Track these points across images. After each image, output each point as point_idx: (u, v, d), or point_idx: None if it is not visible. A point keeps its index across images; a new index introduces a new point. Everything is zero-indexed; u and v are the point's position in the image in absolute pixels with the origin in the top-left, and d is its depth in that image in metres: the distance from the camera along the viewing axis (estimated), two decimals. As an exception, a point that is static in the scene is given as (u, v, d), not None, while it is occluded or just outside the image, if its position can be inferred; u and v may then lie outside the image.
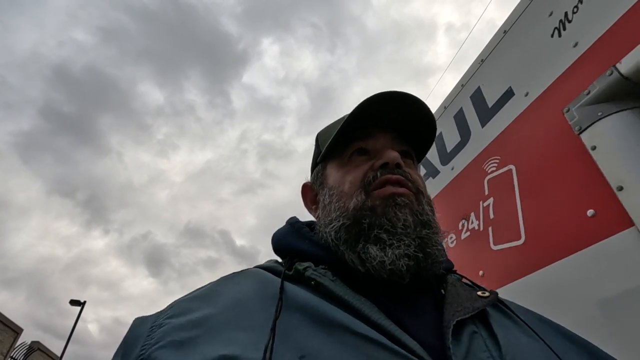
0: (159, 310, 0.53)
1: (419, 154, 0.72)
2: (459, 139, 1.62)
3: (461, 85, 1.69)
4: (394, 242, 0.54)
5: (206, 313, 0.47)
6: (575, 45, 1.12)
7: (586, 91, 1.03)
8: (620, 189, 0.89)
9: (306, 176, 0.79)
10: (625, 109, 0.95)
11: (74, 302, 15.40)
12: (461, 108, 1.65)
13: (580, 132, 1.02)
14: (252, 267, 0.61)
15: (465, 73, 1.68)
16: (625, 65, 0.94)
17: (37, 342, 15.07)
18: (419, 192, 0.61)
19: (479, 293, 0.56)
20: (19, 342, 13.78)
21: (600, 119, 0.98)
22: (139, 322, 0.51)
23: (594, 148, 0.98)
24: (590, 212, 0.96)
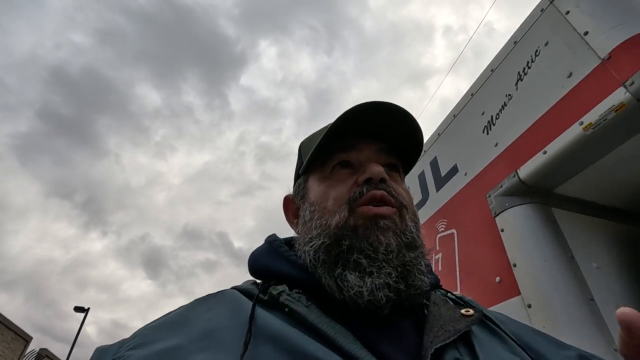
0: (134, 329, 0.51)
1: (406, 165, 0.69)
2: (421, 197, 1.96)
3: (424, 150, 2.04)
4: (374, 270, 0.51)
5: (173, 344, 0.43)
6: (496, 145, 1.47)
7: (500, 184, 1.39)
8: (514, 265, 1.24)
9: (289, 187, 0.75)
10: (522, 204, 1.30)
11: (78, 309, 15.71)
12: (422, 171, 2.00)
13: (495, 216, 1.37)
14: (229, 287, 0.59)
15: (427, 141, 2.03)
16: (523, 172, 1.30)
17: (45, 350, 15.37)
18: (403, 207, 0.58)
19: (463, 311, 0.53)
20: (28, 349, 14.09)
21: (507, 208, 1.33)
22: (100, 353, 0.48)
23: (502, 230, 1.33)
24: (497, 278, 1.31)
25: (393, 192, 0.58)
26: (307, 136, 0.75)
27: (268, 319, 0.47)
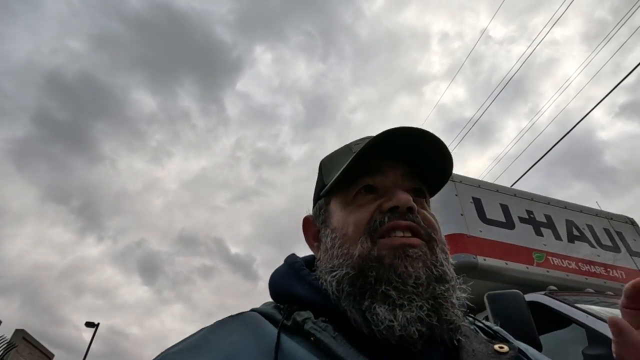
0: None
1: (432, 189, 0.65)
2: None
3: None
4: (405, 302, 0.48)
5: None
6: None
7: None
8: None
9: (308, 208, 0.73)
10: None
11: (89, 324, 15.93)
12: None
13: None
14: (249, 310, 0.57)
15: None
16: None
17: None
18: (432, 240, 0.55)
19: (497, 347, 0.50)
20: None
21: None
22: None
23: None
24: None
25: (421, 223, 0.55)
26: (326, 155, 0.72)
27: (293, 348, 0.45)
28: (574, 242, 2.94)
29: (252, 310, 0.56)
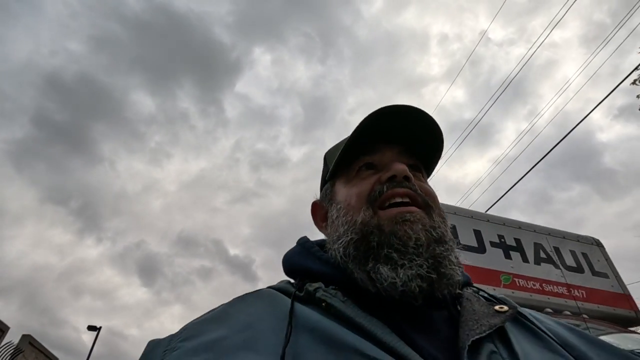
0: (170, 332, 0.52)
1: (428, 168, 0.70)
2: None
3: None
4: (405, 262, 0.51)
5: (218, 335, 0.46)
6: None
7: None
8: None
9: (315, 194, 0.78)
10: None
11: (91, 328, 16.22)
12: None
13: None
14: (264, 287, 0.60)
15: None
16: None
17: None
18: (429, 206, 0.59)
19: (497, 308, 0.54)
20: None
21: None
22: (153, 346, 0.50)
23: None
24: None
25: (418, 190, 0.59)
26: (329, 148, 0.77)
27: (306, 312, 0.49)
28: (540, 264, 3.24)
29: (268, 287, 0.60)
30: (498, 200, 6.79)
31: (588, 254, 3.58)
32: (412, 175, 0.60)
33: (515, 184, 6.43)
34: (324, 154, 0.78)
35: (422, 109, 0.61)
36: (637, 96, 6.07)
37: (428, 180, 0.69)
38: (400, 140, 0.65)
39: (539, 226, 3.64)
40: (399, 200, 0.58)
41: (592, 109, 5.72)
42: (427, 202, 0.59)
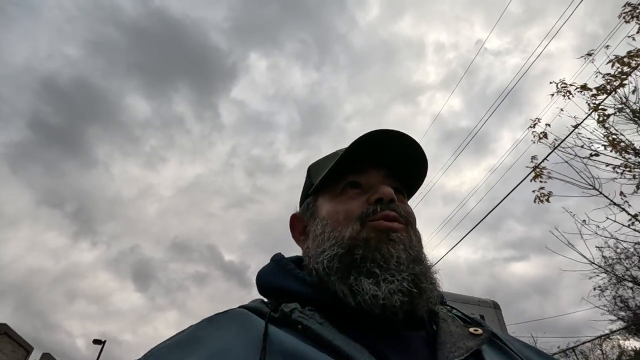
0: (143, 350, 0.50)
1: (409, 192, 0.73)
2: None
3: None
4: (388, 276, 0.53)
5: None
6: None
7: None
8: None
9: (294, 206, 0.78)
10: None
11: (96, 341, 17.14)
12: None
13: None
14: (236, 307, 0.58)
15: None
16: None
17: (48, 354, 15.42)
18: (409, 224, 0.63)
19: (472, 330, 0.55)
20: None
21: None
22: None
23: None
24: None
25: (402, 213, 0.62)
26: (314, 162, 0.79)
27: (281, 336, 0.47)
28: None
29: (240, 306, 0.58)
30: (494, 209, 6.84)
31: (485, 316, 4.36)
32: (396, 198, 0.63)
33: (510, 192, 6.54)
34: (307, 167, 0.79)
35: (409, 134, 0.64)
36: (533, 191, 5.91)
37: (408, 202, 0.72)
38: (386, 163, 0.67)
39: (446, 293, 4.46)
40: (386, 222, 0.60)
41: (585, 117, 5.68)
42: (409, 220, 0.63)
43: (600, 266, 5.68)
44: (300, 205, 0.77)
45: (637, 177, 5.05)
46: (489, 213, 6.84)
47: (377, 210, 0.61)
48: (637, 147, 5.15)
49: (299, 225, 0.74)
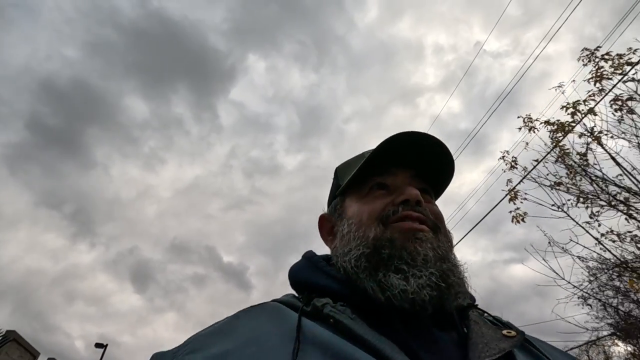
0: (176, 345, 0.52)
1: (437, 192, 0.73)
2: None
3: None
4: (416, 271, 0.54)
5: (224, 349, 0.46)
6: None
7: None
8: None
9: (322, 207, 0.80)
10: None
11: (98, 345, 16.70)
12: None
13: None
14: (269, 301, 0.60)
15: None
16: None
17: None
18: (437, 228, 0.62)
19: (505, 332, 0.54)
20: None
21: None
22: (158, 359, 0.51)
23: None
24: None
25: (429, 215, 0.62)
26: (342, 163, 0.80)
27: (314, 328, 0.48)
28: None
29: (273, 300, 0.60)
30: (491, 211, 6.84)
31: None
32: (422, 200, 0.63)
33: (507, 194, 6.54)
34: (334, 168, 0.81)
35: (437, 137, 0.64)
36: (510, 211, 6.24)
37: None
38: (412, 164, 0.67)
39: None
40: (409, 221, 0.60)
41: (580, 119, 5.86)
42: (436, 224, 0.63)
43: (569, 282, 5.66)
44: (328, 206, 0.78)
45: (589, 206, 5.54)
46: (477, 223, 6.85)
47: (397, 211, 0.61)
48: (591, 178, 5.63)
49: (327, 226, 0.75)
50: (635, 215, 5.19)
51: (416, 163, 0.67)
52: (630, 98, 5.33)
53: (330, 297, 0.55)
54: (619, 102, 5.43)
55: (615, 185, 5.38)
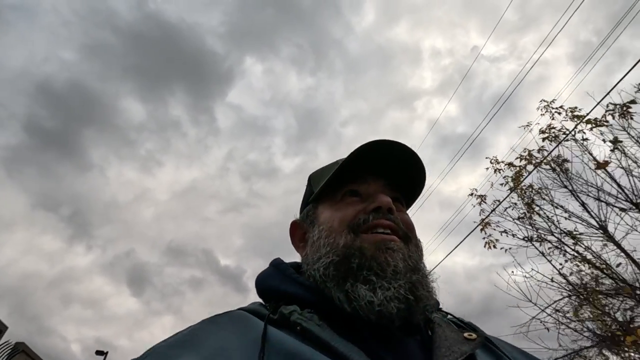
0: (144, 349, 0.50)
1: (409, 201, 0.74)
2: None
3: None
4: (384, 283, 0.53)
5: None
6: None
7: None
8: None
9: (291, 211, 0.79)
10: None
11: (98, 353, 16.70)
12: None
13: None
14: (235, 309, 0.59)
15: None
16: None
17: (23, 344, 14.98)
18: (408, 238, 0.63)
19: (466, 335, 0.55)
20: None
21: None
22: None
23: None
24: None
25: (400, 224, 0.63)
26: (315, 170, 0.80)
27: (280, 336, 0.48)
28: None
29: (239, 309, 0.59)
30: (489, 215, 6.90)
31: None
32: (394, 208, 0.63)
33: (507, 196, 6.66)
34: (308, 175, 0.80)
35: (408, 145, 0.65)
36: (483, 238, 6.73)
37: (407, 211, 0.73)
38: (385, 173, 0.68)
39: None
40: (381, 230, 0.61)
41: (576, 123, 6.06)
42: (407, 233, 0.63)
43: (536, 305, 5.90)
44: (301, 213, 0.78)
45: (541, 244, 6.07)
46: (484, 219, 6.86)
47: (368, 219, 0.61)
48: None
49: (298, 232, 0.75)
50: (573, 254, 5.75)
51: (389, 172, 0.68)
52: (566, 160, 6.21)
53: (298, 305, 0.55)
54: (559, 160, 6.29)
55: (558, 228, 5.99)
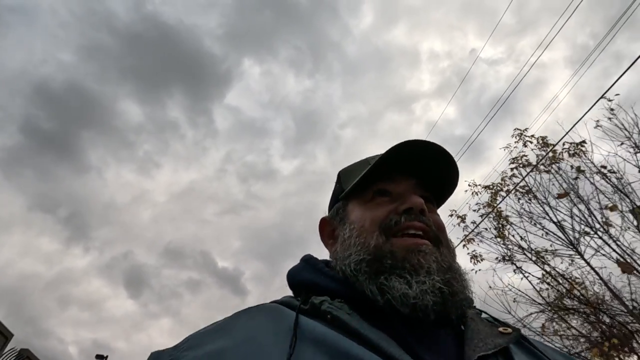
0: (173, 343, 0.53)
1: (439, 201, 0.73)
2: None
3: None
4: (421, 278, 0.54)
5: (221, 346, 0.48)
6: None
7: None
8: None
9: (324, 210, 0.80)
10: None
11: (98, 357, 17.01)
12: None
13: None
14: (269, 302, 0.61)
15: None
16: None
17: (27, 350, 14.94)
18: (439, 241, 0.62)
19: (501, 329, 0.55)
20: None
21: None
22: (155, 357, 0.52)
23: None
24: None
25: (432, 226, 0.62)
26: (345, 167, 0.80)
27: (311, 325, 0.49)
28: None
29: (271, 302, 0.61)
30: (485, 217, 7.12)
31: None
32: (426, 209, 0.63)
33: (504, 198, 6.87)
34: (337, 172, 0.80)
35: (442, 145, 0.64)
36: (468, 253, 7.25)
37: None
38: (416, 172, 0.68)
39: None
40: (412, 232, 0.61)
41: (572, 125, 6.23)
42: (438, 236, 0.63)
43: (515, 316, 6.46)
44: (330, 210, 0.79)
45: (513, 262, 6.57)
46: (481, 221, 7.23)
47: (400, 221, 0.61)
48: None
49: (327, 229, 0.76)
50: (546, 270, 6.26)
51: (419, 171, 0.68)
52: (530, 190, 6.70)
53: (329, 296, 0.56)
54: (525, 189, 6.78)
55: (529, 247, 6.51)
